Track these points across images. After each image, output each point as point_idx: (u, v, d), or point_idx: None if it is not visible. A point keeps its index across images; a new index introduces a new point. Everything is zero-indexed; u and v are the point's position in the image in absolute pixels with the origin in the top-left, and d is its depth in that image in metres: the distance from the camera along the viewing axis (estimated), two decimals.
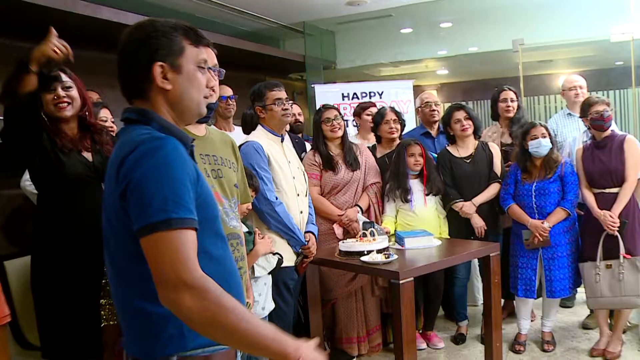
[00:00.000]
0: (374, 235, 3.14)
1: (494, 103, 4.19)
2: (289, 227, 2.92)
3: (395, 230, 3.69)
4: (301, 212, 3.06)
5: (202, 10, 5.71)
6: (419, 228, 3.57)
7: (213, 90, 1.39)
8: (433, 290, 3.81)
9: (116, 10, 4.24)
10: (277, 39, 6.96)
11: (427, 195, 3.68)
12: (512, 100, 4.10)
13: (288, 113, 3.02)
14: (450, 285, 3.91)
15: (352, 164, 3.73)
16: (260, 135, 3.04)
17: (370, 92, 5.59)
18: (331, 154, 3.74)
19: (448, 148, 3.90)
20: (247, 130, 3.52)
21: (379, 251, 2.93)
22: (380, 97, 5.58)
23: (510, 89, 4.13)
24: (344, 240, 3.15)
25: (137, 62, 1.26)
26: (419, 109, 4.54)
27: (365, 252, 2.94)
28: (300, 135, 4.55)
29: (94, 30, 4.13)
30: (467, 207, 3.69)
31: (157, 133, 1.22)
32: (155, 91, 1.27)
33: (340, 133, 3.71)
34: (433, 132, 4.40)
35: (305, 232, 3.08)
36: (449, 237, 3.66)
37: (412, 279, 2.61)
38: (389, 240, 3.36)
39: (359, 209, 3.70)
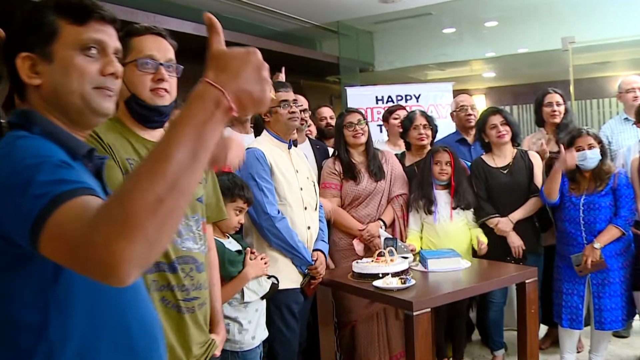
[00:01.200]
0: (393, 255, 2.81)
1: (537, 107, 3.77)
2: (291, 245, 2.62)
3: (420, 249, 3.34)
4: (309, 228, 2.76)
5: (232, 10, 5.52)
6: (444, 246, 3.21)
7: (116, 77, 1.04)
8: (455, 316, 3.41)
9: (147, 13, 4.10)
10: (312, 40, 6.70)
11: (455, 208, 3.31)
12: (558, 104, 3.67)
13: (295, 116, 2.73)
14: (484, 309, 3.51)
15: (376, 173, 3.39)
16: (264, 141, 2.76)
17: (406, 95, 5.23)
18: (353, 161, 3.42)
19: (483, 157, 3.51)
20: (258, 135, 3.24)
21: (395, 274, 2.60)
22: (417, 101, 5.21)
23: (555, 92, 3.70)
24: (359, 261, 2.82)
25: (3, 56, 1.00)
26: (454, 113, 4.15)
27: (380, 275, 2.60)
28: (331, 140, 4.26)
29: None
30: (503, 224, 3.29)
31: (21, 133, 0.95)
32: (29, 89, 1.01)
33: (363, 139, 3.39)
34: (469, 139, 4.01)
35: (314, 250, 2.77)
36: (478, 257, 3.28)
37: (428, 309, 2.26)
38: (414, 260, 3.02)
39: (382, 223, 3.36)
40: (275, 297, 2.63)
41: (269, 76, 0.85)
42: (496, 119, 3.40)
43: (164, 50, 1.53)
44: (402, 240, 3.36)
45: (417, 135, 3.58)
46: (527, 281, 2.65)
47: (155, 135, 1.56)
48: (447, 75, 8.54)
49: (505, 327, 3.58)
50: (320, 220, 2.92)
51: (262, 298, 2.37)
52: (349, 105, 5.25)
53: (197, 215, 1.62)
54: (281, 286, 2.62)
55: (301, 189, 2.75)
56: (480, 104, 9.55)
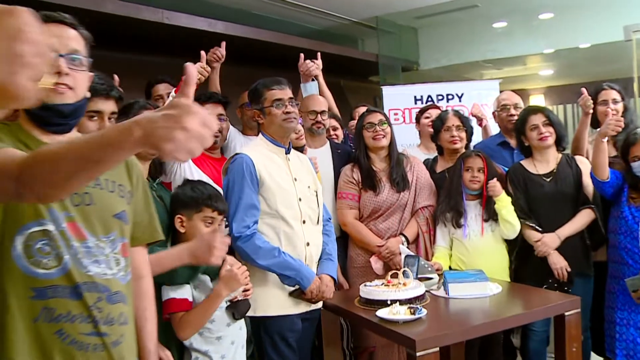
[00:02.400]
0: (408, 277, 2.43)
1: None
2: (267, 267, 2.30)
3: (449, 268, 2.93)
4: (308, 244, 2.42)
5: (265, 8, 5.26)
6: (474, 264, 2.80)
7: None
8: (489, 343, 2.95)
9: (187, 15, 3.91)
10: (353, 38, 6.34)
11: (486, 221, 2.88)
12: (614, 102, 3.16)
13: (291, 117, 2.40)
14: (525, 338, 3.05)
15: (399, 182, 3.02)
16: (257, 146, 2.46)
17: (447, 95, 4.79)
18: (374, 168, 3.06)
19: (522, 163, 3.06)
20: None
21: (405, 302, 2.23)
22: (460, 100, 4.77)
23: (612, 88, 3.20)
24: (367, 283, 2.45)
25: None
26: (496, 113, 3.70)
27: (389, 302, 2.24)
28: None
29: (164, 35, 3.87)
30: (549, 241, 2.82)
31: None
32: None
33: (384, 142, 3.02)
34: (512, 142, 3.54)
35: (320, 274, 2.43)
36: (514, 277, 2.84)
37: (437, 349, 1.87)
38: (439, 282, 2.63)
39: (403, 239, 2.99)
40: (266, 324, 2.33)
41: (36, 51, 0.53)
42: (537, 119, 2.95)
43: (66, 40, 1.25)
44: (427, 258, 2.97)
45: (449, 137, 3.17)
46: (567, 314, 2.21)
47: (54, 138, 1.28)
48: (503, 74, 7.96)
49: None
50: (326, 234, 2.58)
51: (234, 318, 2.06)
52: (385, 106, 4.89)
53: (112, 235, 1.33)
54: (273, 312, 2.32)
55: (300, 199, 2.42)
56: (539, 104, 8.90)
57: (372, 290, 2.33)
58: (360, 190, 3.07)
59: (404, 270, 2.46)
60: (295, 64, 3.45)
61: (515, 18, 5.68)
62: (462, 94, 4.74)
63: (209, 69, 2.44)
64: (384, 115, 3.09)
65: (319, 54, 3.58)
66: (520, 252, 2.90)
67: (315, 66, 3.52)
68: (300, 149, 2.96)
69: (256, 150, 2.40)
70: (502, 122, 3.61)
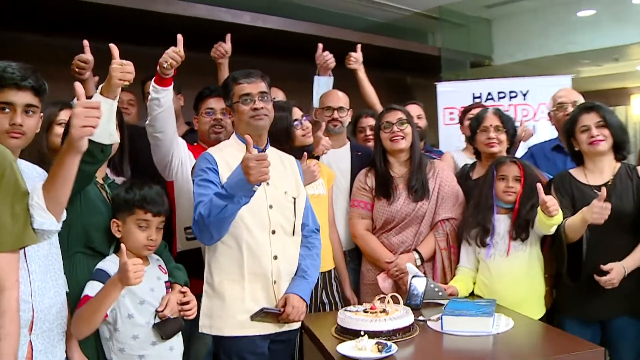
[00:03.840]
0: (399, 304, 2.04)
1: None
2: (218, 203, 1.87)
3: (472, 293, 2.48)
4: (275, 258, 2.08)
5: (331, 3, 4.97)
6: (497, 292, 2.36)
7: None
8: None
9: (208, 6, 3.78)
10: (422, 31, 5.86)
11: (515, 240, 2.39)
12: None
13: (260, 114, 2.08)
14: None
15: (417, 190, 2.60)
16: (227, 147, 2.18)
17: (510, 92, 4.25)
18: (392, 174, 2.66)
19: (572, 171, 2.51)
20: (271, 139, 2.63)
21: (385, 334, 1.84)
22: (525, 98, 4.21)
23: None
24: (348, 308, 2.07)
25: None
26: (551, 113, 3.15)
27: (362, 333, 1.86)
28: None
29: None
30: (615, 273, 2.25)
31: None
32: None
33: (403, 144, 2.62)
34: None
35: (287, 294, 2.09)
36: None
37: None
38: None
39: (416, 255, 2.57)
40: (224, 344, 2.06)
41: None
42: (589, 119, 2.40)
43: None
44: (444, 280, 2.53)
45: (486, 139, 2.70)
46: None
47: None
48: (599, 71, 7.09)
49: None
50: (306, 247, 2.23)
51: (163, 337, 1.82)
52: (439, 105, 4.42)
53: None
54: (228, 332, 2.03)
55: (270, 206, 2.09)
56: None
57: (348, 317, 1.95)
58: (374, 198, 2.69)
59: (393, 295, 2.06)
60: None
61: (605, 4, 4.94)
62: (527, 91, 4.17)
63: (182, 54, 2.19)
64: (406, 113, 2.68)
65: (359, 46, 3.23)
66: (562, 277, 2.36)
67: (354, 59, 3.18)
68: (306, 149, 2.64)
69: (224, 150, 2.12)
70: (558, 123, 3.06)
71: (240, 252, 2.04)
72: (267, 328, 2.07)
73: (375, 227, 2.68)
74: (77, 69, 2.32)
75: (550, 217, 2.18)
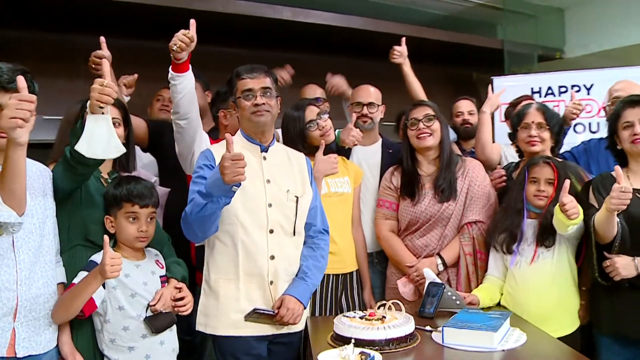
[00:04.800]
0: (402, 311, 1.91)
1: None
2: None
3: (499, 303, 2.29)
4: (272, 258, 2.01)
5: None
6: (522, 302, 2.19)
7: None
8: None
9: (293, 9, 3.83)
10: (492, 24, 5.54)
11: (540, 246, 2.17)
12: None
13: (261, 110, 2.02)
14: None
15: (444, 189, 2.45)
16: (230, 144, 2.13)
17: (573, 86, 3.90)
18: (419, 173, 2.52)
19: (614, 174, 2.25)
20: (287, 140, 2.57)
21: (368, 344, 1.73)
22: (588, 93, 3.86)
23: None
24: (347, 314, 1.96)
25: None
26: (606, 107, 2.86)
27: (352, 341, 1.75)
28: (470, 142, 3.41)
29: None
30: (620, 260, 2.01)
31: None
32: None
33: (430, 142, 2.47)
34: None
35: (284, 295, 2.02)
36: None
37: None
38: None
39: (439, 260, 2.41)
40: (219, 343, 2.03)
41: None
42: (633, 114, 2.15)
43: None
44: (468, 288, 2.36)
45: (527, 137, 2.50)
46: None
47: None
48: None
49: None
50: (311, 247, 2.14)
51: (153, 331, 1.83)
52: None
53: None
54: (222, 332, 2.00)
55: (269, 205, 2.03)
56: None
57: (342, 323, 1.85)
58: (399, 198, 2.56)
59: (395, 302, 1.93)
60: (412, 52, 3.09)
61: None
62: (591, 85, 3.82)
63: (191, 35, 2.14)
64: (433, 108, 2.52)
65: (403, 39, 3.11)
66: (599, 286, 2.11)
67: (397, 53, 3.04)
68: (331, 146, 2.56)
69: (224, 147, 2.06)
70: None
71: (235, 250, 1.99)
72: (264, 329, 2.01)
73: (400, 229, 2.55)
74: (93, 65, 2.36)
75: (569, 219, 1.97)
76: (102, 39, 2.31)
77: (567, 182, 2.03)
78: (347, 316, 1.92)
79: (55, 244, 1.83)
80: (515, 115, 2.64)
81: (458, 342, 1.77)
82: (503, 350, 1.72)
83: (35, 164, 1.83)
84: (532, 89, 4.01)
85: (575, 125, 3.65)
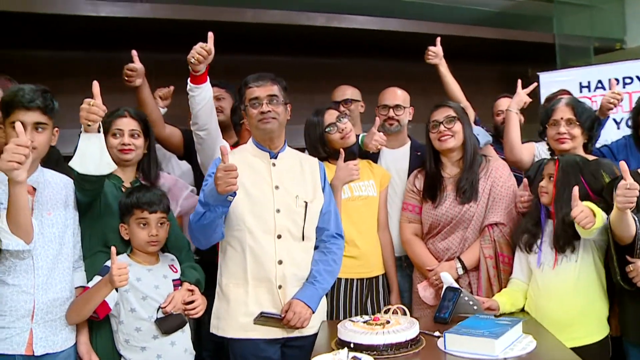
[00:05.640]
0: (407, 315, 1.89)
1: None
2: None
3: (522, 309, 2.21)
4: (280, 263, 2.04)
5: None
6: (544, 308, 2.10)
7: None
8: None
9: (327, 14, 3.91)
10: (547, 18, 5.31)
11: (560, 251, 2.08)
12: None
13: (267, 117, 2.06)
14: None
15: (466, 191, 2.39)
16: (241, 151, 2.20)
17: (625, 78, 3.68)
18: (443, 175, 2.48)
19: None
20: (309, 145, 2.62)
21: (368, 349, 1.72)
22: None
23: None
24: (353, 319, 1.96)
25: None
26: None
27: (351, 346, 1.76)
28: None
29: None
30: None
31: None
32: None
33: (451, 144, 2.42)
34: None
35: (292, 299, 2.05)
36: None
37: None
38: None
39: (458, 264, 2.36)
40: (231, 345, 2.09)
41: None
42: None
43: None
44: (489, 293, 2.29)
45: (555, 134, 2.41)
46: None
47: None
48: None
49: None
50: (322, 252, 2.16)
51: (162, 332, 1.93)
52: (543, 96, 3.98)
53: None
54: (232, 334, 2.07)
55: (277, 210, 2.06)
56: None
57: (345, 327, 1.85)
58: (422, 201, 2.52)
59: (400, 307, 1.91)
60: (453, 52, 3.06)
61: None
62: None
63: (208, 48, 2.21)
64: (455, 109, 2.47)
65: (438, 39, 3.07)
66: (625, 292, 1.98)
67: (432, 53, 2.98)
68: (351, 149, 2.57)
69: (237, 155, 2.12)
70: None
71: (244, 256, 2.04)
72: (273, 332, 2.04)
73: (423, 232, 2.52)
74: (126, 77, 2.49)
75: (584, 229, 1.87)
76: (134, 52, 2.44)
77: (576, 190, 1.92)
78: (353, 321, 1.92)
79: (75, 251, 1.96)
80: (544, 111, 2.54)
81: (460, 349, 1.72)
82: (505, 359, 1.66)
83: (60, 177, 1.98)
84: (580, 83, 3.83)
85: (627, 119, 3.45)
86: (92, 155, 1.80)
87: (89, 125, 1.80)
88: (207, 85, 2.33)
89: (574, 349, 1.97)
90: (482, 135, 2.84)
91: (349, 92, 3.18)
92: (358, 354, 1.65)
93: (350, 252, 2.45)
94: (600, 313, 2.08)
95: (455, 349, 1.73)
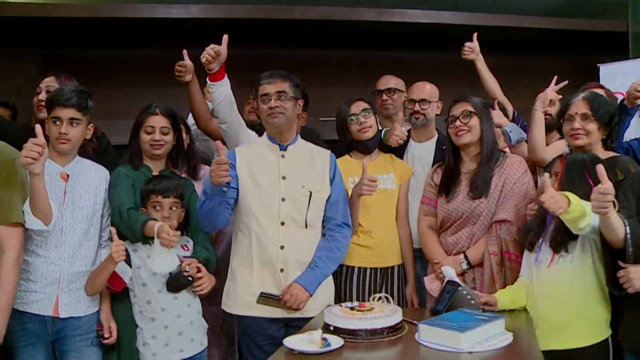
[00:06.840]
0: (389, 303, 1.99)
1: None
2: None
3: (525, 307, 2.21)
4: (282, 248, 2.20)
5: None
6: (539, 306, 2.12)
7: None
8: None
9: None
10: (619, 3, 4.99)
11: (557, 250, 2.06)
12: None
13: (275, 112, 2.23)
14: None
15: (478, 186, 2.41)
16: (254, 144, 2.41)
17: None
18: (460, 169, 2.51)
19: None
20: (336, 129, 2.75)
21: (348, 333, 1.83)
22: None
23: None
24: (342, 305, 2.07)
25: None
26: None
27: (332, 328, 1.88)
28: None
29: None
30: (634, 270, 1.83)
31: None
32: None
33: (467, 139, 2.44)
34: None
35: (292, 282, 2.20)
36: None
37: None
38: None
39: (463, 259, 2.39)
40: (238, 320, 2.30)
41: None
42: None
43: None
44: (492, 289, 2.30)
45: (570, 130, 2.35)
46: None
47: None
48: None
49: None
50: (327, 240, 2.30)
51: (168, 290, 2.18)
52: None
53: None
54: (237, 311, 2.27)
55: (283, 199, 2.23)
56: None
57: (328, 311, 1.97)
58: (437, 195, 2.57)
59: (385, 296, 2.00)
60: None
61: None
62: None
63: (217, 49, 2.39)
64: (473, 104, 2.48)
65: (474, 34, 3.06)
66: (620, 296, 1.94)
67: (468, 49, 2.97)
68: (366, 143, 2.67)
69: (252, 147, 2.34)
70: None
71: (250, 240, 2.23)
72: (275, 312, 2.20)
73: (438, 226, 2.56)
74: (177, 73, 2.72)
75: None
76: (185, 51, 2.66)
77: (547, 176, 1.93)
78: (341, 306, 2.04)
79: (103, 232, 2.25)
80: (560, 109, 2.47)
81: (430, 340, 1.79)
82: (469, 353, 1.71)
83: (98, 168, 2.30)
84: None
85: None
86: (163, 262, 2.14)
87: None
88: (225, 81, 2.51)
89: (569, 351, 2.01)
90: (515, 132, 2.79)
91: (393, 81, 3.21)
92: (328, 335, 1.77)
93: (365, 241, 2.58)
94: (598, 316, 2.04)
95: (427, 339, 1.80)
